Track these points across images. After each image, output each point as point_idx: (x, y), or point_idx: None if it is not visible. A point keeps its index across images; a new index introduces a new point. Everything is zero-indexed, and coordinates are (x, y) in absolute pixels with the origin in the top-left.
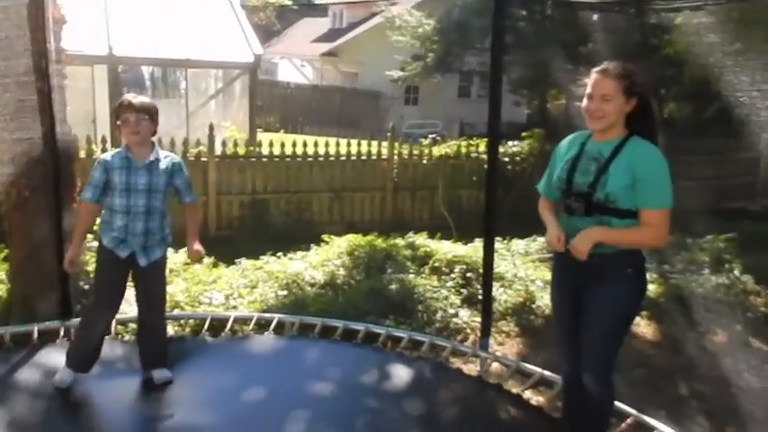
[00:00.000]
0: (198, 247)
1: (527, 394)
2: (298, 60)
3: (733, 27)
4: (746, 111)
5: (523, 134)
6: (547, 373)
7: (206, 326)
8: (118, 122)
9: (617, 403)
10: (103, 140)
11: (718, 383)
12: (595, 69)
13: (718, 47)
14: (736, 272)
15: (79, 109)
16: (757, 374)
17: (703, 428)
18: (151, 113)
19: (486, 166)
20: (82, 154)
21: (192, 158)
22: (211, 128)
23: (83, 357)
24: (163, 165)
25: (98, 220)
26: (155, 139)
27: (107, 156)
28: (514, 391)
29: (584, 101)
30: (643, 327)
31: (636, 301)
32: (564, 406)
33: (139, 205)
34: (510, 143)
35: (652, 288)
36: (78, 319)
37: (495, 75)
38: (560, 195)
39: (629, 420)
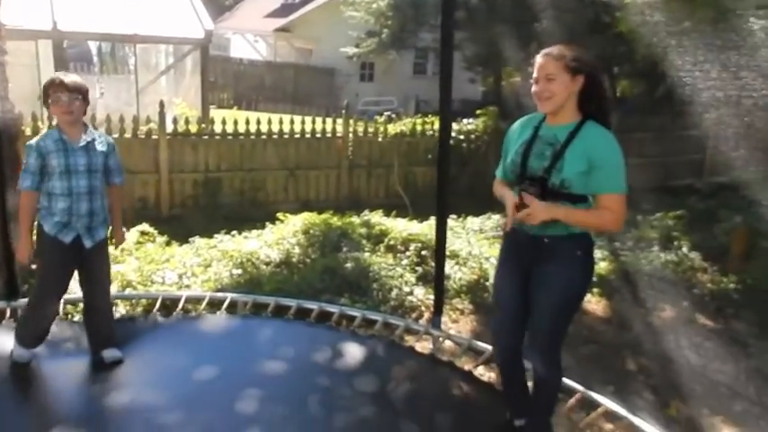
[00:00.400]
0: (124, 231)
1: (479, 371)
2: (251, 36)
3: (678, 6)
4: (689, 90)
5: (478, 112)
6: None
7: (157, 305)
8: (48, 102)
9: (565, 380)
10: (50, 117)
11: (664, 359)
12: (540, 53)
13: (662, 26)
14: (685, 249)
15: (24, 86)
16: (701, 350)
17: (649, 403)
18: (84, 93)
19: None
20: (28, 131)
21: (143, 136)
22: (162, 105)
23: (32, 337)
24: (99, 144)
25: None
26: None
27: (38, 140)
28: (466, 368)
29: (533, 86)
30: (594, 303)
31: (584, 283)
32: (504, 384)
33: (82, 186)
34: (464, 121)
35: (603, 265)
36: (25, 300)
37: (446, 52)
38: (514, 179)
39: (576, 396)
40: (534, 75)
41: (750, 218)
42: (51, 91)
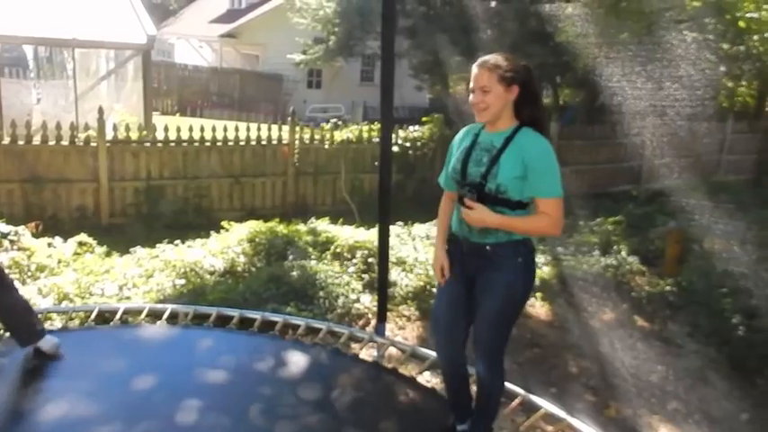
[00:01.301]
0: None
1: (423, 377)
2: (196, 41)
3: (612, 19)
4: (624, 100)
5: (424, 119)
6: None
7: (93, 317)
8: None
9: (507, 384)
10: None
11: (603, 361)
12: (475, 63)
13: (598, 37)
14: (623, 253)
15: None
16: (638, 352)
17: (589, 405)
18: None
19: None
20: None
21: (81, 144)
22: (101, 111)
23: None
24: None
25: None
26: None
27: None
28: (411, 374)
29: (470, 96)
30: (536, 307)
31: (525, 289)
32: (448, 390)
33: None
34: (411, 128)
35: (545, 270)
36: None
37: (386, 58)
38: (456, 186)
39: (517, 400)
40: (471, 84)
41: (683, 222)
42: None
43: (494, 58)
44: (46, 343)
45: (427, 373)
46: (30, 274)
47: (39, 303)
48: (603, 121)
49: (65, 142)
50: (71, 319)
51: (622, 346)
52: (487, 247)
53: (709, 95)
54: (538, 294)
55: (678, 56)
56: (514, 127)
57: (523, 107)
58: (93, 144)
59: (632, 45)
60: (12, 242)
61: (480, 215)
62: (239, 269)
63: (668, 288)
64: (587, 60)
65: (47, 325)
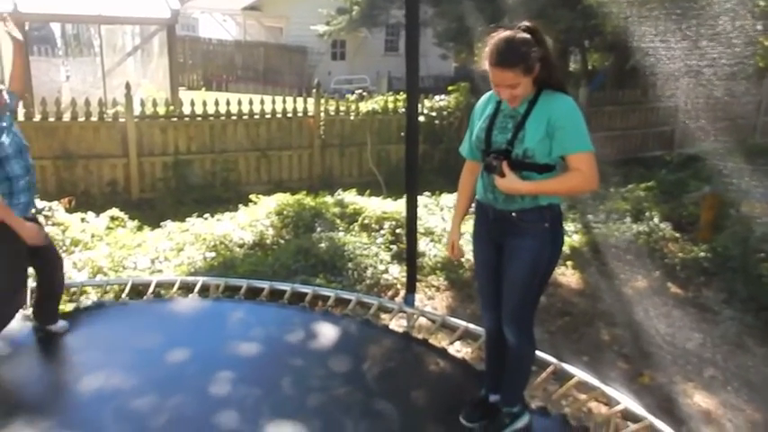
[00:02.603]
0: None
1: (454, 347)
2: (219, 15)
3: None
4: (656, 62)
5: (450, 88)
6: (471, 326)
7: (127, 290)
8: None
9: (538, 352)
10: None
11: (636, 329)
12: (487, 59)
13: None
14: (656, 220)
15: None
16: (672, 319)
17: (622, 373)
18: None
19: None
20: None
21: (110, 119)
22: (128, 86)
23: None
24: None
25: None
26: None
27: None
28: (440, 344)
29: (494, 88)
30: (568, 276)
31: (552, 254)
32: (486, 357)
33: (31, 160)
34: (437, 97)
35: (575, 237)
36: None
37: (411, 27)
38: (480, 154)
39: (549, 369)
40: (492, 80)
41: (718, 187)
42: None
43: (510, 53)
44: (58, 327)
45: (458, 344)
46: (65, 248)
47: (74, 277)
48: (634, 86)
49: (94, 118)
50: (106, 292)
51: (655, 314)
52: (513, 214)
53: (745, 54)
54: (568, 262)
55: (712, 13)
56: (536, 91)
57: (543, 75)
58: (122, 120)
59: (665, 2)
60: (47, 217)
61: (512, 184)
62: (268, 242)
63: (703, 254)
64: (617, 22)
65: (82, 298)
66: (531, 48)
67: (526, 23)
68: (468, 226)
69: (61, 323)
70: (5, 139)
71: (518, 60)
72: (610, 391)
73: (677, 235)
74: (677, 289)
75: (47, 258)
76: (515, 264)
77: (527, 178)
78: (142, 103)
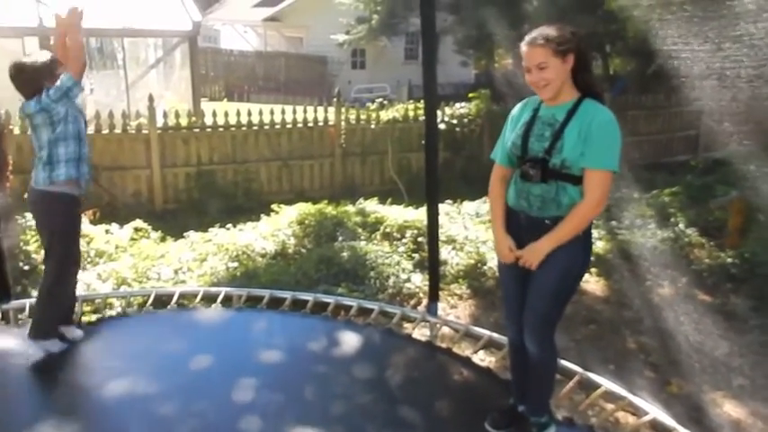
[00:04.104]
0: None
1: (477, 356)
2: (240, 26)
3: None
4: (680, 65)
5: (470, 95)
6: (495, 335)
7: (151, 301)
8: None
9: (564, 361)
10: None
11: (663, 336)
12: (523, 42)
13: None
14: (681, 225)
15: (10, 84)
16: (700, 326)
17: (649, 382)
18: None
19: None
20: (16, 130)
21: (133, 131)
22: (151, 99)
23: (56, 321)
24: None
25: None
26: None
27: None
28: (464, 353)
29: (526, 75)
30: (592, 283)
31: (583, 264)
32: (511, 367)
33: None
34: (457, 105)
35: (600, 244)
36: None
37: (427, 34)
38: (515, 161)
39: (575, 378)
40: (524, 64)
41: (746, 191)
42: (61, 69)
43: (542, 31)
44: (73, 332)
45: (481, 353)
46: (89, 260)
47: (98, 288)
48: (657, 90)
49: (118, 130)
50: (129, 304)
51: (682, 321)
52: (547, 221)
53: None
54: (593, 270)
55: (736, 14)
56: (577, 99)
57: (579, 73)
58: (145, 131)
59: (686, 5)
60: None
61: (538, 255)
62: (290, 251)
63: (730, 260)
64: (639, 25)
65: (106, 311)
66: (565, 34)
67: (571, 28)
68: (491, 234)
69: (77, 331)
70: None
71: (546, 38)
72: (637, 400)
73: (703, 241)
74: (704, 296)
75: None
76: (545, 272)
77: (562, 189)
78: (165, 115)
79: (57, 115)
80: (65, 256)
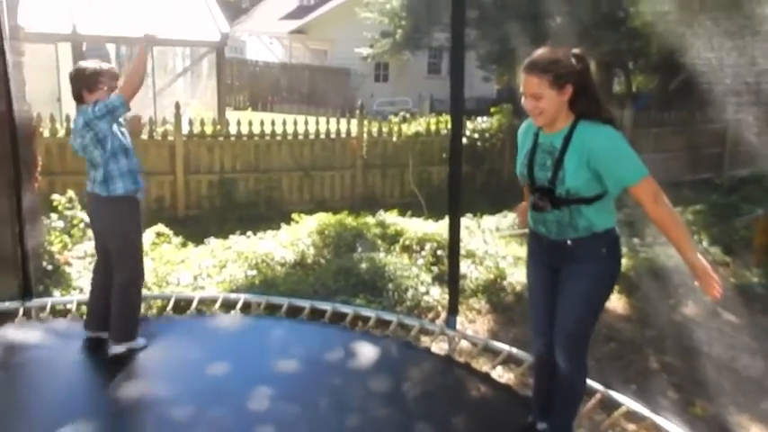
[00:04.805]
0: None
1: (496, 372)
2: (266, 38)
3: None
4: (706, 79)
5: (492, 110)
6: (515, 350)
7: (170, 306)
8: (100, 87)
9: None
10: (68, 119)
11: (687, 355)
12: (523, 64)
13: (676, 15)
14: (705, 243)
15: (43, 88)
16: (725, 346)
17: (673, 402)
18: None
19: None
20: (46, 133)
21: (159, 137)
22: (177, 106)
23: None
24: None
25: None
26: None
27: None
28: (483, 368)
29: (522, 99)
30: (613, 300)
31: (611, 280)
32: (535, 382)
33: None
34: (479, 119)
35: (622, 262)
36: (40, 300)
37: (456, 50)
38: (529, 188)
39: (597, 397)
40: (521, 89)
41: None
42: (105, 79)
43: (542, 59)
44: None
45: (500, 368)
46: None
47: None
48: (680, 107)
49: (144, 136)
50: (150, 307)
51: (707, 341)
52: (568, 242)
53: None
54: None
55: (760, 31)
56: (571, 123)
57: (577, 100)
58: (171, 138)
59: (708, 22)
60: None
61: (706, 269)
62: (309, 261)
63: (756, 279)
64: (662, 42)
65: None
66: (565, 63)
67: (575, 49)
68: (511, 249)
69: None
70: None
71: (544, 68)
72: (661, 421)
73: (728, 259)
74: (729, 315)
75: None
76: (572, 289)
77: (576, 212)
78: (190, 123)
79: (100, 132)
80: (134, 257)
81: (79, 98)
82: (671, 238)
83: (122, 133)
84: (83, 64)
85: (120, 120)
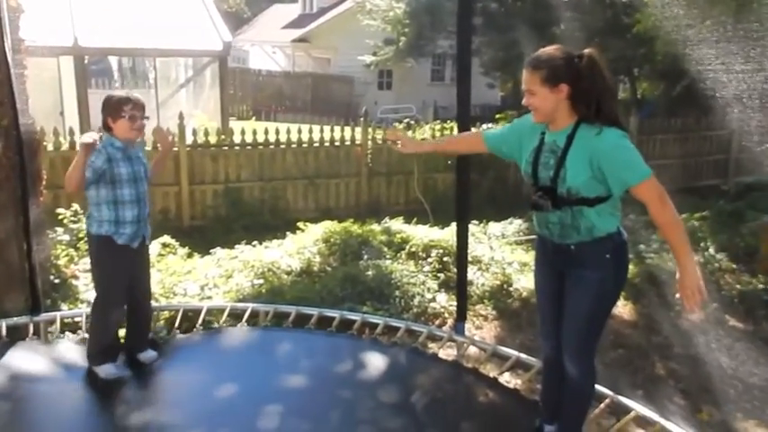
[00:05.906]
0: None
1: (504, 377)
2: (269, 47)
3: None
4: (712, 85)
5: (497, 116)
6: (523, 355)
7: (179, 317)
8: (122, 116)
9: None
10: (71, 132)
11: (693, 362)
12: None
13: (681, 21)
14: (711, 250)
15: (45, 102)
16: (732, 353)
17: (680, 408)
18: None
19: None
20: (49, 147)
21: None
22: (181, 116)
23: (106, 349)
24: (141, 154)
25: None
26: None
27: (105, 146)
28: (491, 374)
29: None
30: (620, 307)
31: (616, 285)
32: (543, 385)
33: (143, 192)
34: (484, 126)
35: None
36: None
37: (462, 57)
38: (531, 189)
39: (605, 402)
40: (523, 85)
41: None
42: (127, 107)
43: (541, 56)
44: (147, 355)
45: (508, 374)
46: None
47: None
48: (686, 113)
49: (148, 147)
50: (157, 319)
51: (714, 348)
52: (572, 247)
53: None
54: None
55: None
56: (574, 123)
57: (579, 104)
58: (175, 149)
59: (715, 27)
60: None
61: (695, 279)
62: (315, 269)
63: (762, 286)
64: (668, 48)
65: None
66: (561, 63)
67: (589, 50)
68: (517, 255)
69: (150, 353)
70: (123, 168)
71: (540, 65)
72: (670, 426)
73: (734, 266)
74: (736, 322)
75: (142, 271)
76: (578, 294)
77: (578, 213)
78: (194, 133)
79: (93, 164)
80: (105, 294)
81: (105, 125)
82: (670, 241)
83: (140, 181)
84: (113, 93)
85: (141, 155)
